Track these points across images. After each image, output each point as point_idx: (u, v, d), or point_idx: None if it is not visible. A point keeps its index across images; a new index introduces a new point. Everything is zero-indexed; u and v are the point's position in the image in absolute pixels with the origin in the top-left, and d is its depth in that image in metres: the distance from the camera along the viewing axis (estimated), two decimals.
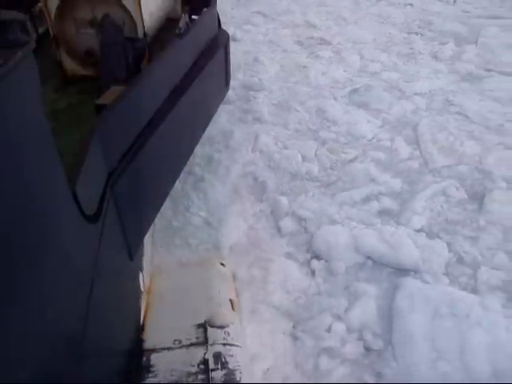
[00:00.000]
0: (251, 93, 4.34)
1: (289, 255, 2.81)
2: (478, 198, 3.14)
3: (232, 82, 3.35)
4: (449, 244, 2.79)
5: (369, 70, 4.90)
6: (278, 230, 2.98)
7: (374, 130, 3.90)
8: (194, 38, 2.95)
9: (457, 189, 3.26)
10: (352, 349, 2.28)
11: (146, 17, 2.73)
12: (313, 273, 2.67)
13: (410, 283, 2.52)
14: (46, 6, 2.66)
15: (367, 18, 6.65)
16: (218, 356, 2.02)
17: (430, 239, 2.82)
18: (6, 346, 0.98)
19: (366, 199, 3.16)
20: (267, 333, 2.34)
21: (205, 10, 3.39)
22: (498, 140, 3.74)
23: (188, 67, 2.76)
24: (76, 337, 1.31)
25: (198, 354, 2.03)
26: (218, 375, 1.94)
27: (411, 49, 5.45)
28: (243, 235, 2.95)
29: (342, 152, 3.57)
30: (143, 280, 2.32)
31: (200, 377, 1.93)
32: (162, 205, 2.44)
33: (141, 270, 2.29)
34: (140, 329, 2.17)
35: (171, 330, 2.16)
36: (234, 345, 2.11)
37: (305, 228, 2.97)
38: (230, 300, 2.40)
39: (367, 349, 2.28)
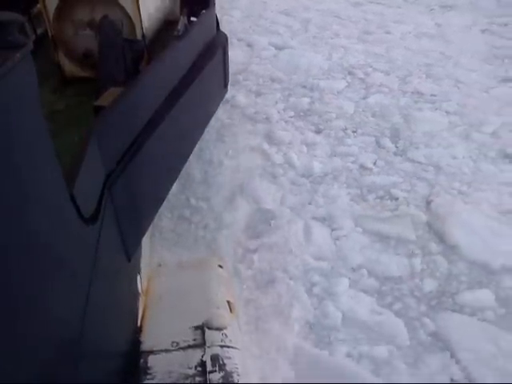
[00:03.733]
0: (228, 11, 7.41)
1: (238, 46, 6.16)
2: (328, 38, 6.47)
3: None
4: (314, 46, 6.30)
5: (299, 2, 8.04)
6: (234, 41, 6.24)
7: (286, 21, 7.13)
8: (193, 39, 2.96)
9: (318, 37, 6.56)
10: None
11: (144, 18, 2.73)
12: (246, 52, 6.08)
13: (286, 50, 6.02)
14: (44, 7, 2.66)
15: None
16: (215, 358, 2.01)
17: (302, 46, 6.25)
18: (3, 347, 0.97)
19: (275, 40, 6.41)
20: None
21: (203, 11, 3.40)
22: (353, 26, 6.94)
23: (186, 69, 2.76)
24: (73, 338, 1.31)
25: (196, 356, 2.02)
26: (215, 377, 1.94)
27: None
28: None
29: (266, 26, 6.93)
30: (141, 281, 2.31)
31: (197, 379, 1.93)
32: (160, 206, 2.44)
33: (138, 271, 2.29)
34: (137, 330, 2.16)
35: (169, 331, 2.16)
36: (231, 347, 2.10)
37: (242, 39, 6.43)
38: (228, 302, 2.39)
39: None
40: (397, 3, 7.86)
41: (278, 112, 4.61)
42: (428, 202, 3.42)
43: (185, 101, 2.52)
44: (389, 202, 3.43)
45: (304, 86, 5.13)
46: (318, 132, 4.32)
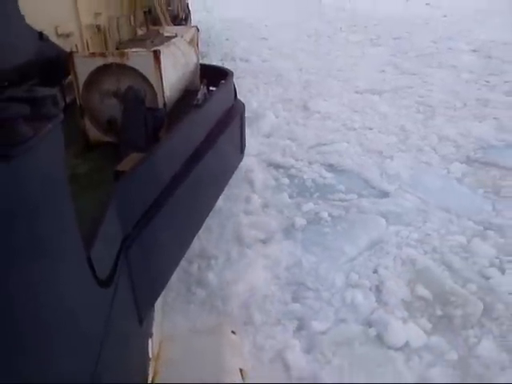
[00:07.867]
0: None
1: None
2: (298, 23, 19.78)
3: None
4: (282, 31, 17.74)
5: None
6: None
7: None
8: (211, 108, 3.09)
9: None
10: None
11: (166, 88, 2.88)
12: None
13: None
14: (75, 78, 2.83)
15: None
16: None
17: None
18: None
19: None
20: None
21: (222, 82, 3.57)
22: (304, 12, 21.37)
23: (205, 136, 2.86)
24: None
25: None
26: None
27: None
28: None
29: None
30: (152, 346, 2.28)
31: None
32: (173, 271, 2.45)
33: (150, 335, 2.27)
34: None
35: None
36: None
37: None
38: (240, 369, 2.34)
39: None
40: None
41: (259, 56, 12.63)
42: (300, 69, 11.33)
43: (202, 167, 2.59)
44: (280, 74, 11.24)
45: (269, 48, 13.75)
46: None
